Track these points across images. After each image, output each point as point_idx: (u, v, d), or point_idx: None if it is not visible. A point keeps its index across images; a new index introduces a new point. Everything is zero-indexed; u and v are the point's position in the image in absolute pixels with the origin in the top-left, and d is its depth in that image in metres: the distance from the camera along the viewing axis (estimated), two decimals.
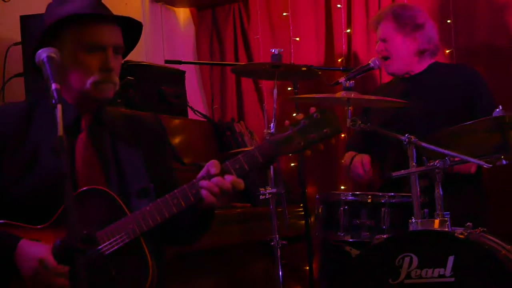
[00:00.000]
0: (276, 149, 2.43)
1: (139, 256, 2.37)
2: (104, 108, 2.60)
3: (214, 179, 2.39)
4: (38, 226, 2.39)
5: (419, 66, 4.23)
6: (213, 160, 2.44)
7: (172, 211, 2.40)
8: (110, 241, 2.37)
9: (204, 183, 2.40)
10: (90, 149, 2.52)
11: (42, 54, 2.31)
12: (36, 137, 2.51)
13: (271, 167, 3.85)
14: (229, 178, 2.40)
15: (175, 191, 2.41)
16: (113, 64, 2.51)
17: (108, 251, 2.37)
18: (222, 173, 2.41)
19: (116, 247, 2.37)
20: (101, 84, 2.48)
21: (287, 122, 2.49)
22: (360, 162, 4.13)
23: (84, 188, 2.41)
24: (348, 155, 4.38)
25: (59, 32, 2.51)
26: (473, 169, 3.93)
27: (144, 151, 2.61)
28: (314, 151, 2.50)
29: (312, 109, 2.46)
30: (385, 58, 4.20)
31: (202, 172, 2.44)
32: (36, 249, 2.33)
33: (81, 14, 2.48)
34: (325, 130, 2.43)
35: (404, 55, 4.19)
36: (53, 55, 2.30)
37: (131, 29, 2.63)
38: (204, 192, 2.40)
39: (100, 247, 2.36)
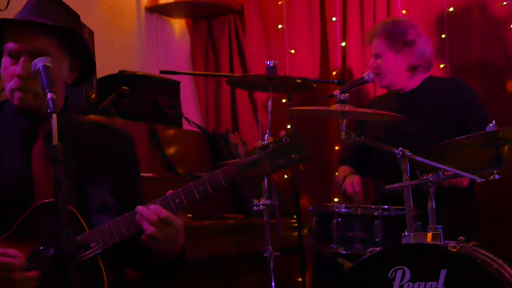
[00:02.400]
0: (241, 173, 2.39)
1: (95, 274, 2.31)
2: (63, 116, 2.43)
3: (152, 206, 2.33)
4: None
5: (413, 81, 4.24)
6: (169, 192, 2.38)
7: (123, 235, 2.34)
8: None
9: (141, 209, 2.33)
10: (47, 159, 2.43)
11: (38, 63, 2.30)
12: None
13: (265, 178, 3.85)
14: (154, 208, 2.32)
15: (126, 214, 2.35)
16: (24, 71, 2.39)
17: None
18: (187, 196, 2.36)
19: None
20: (15, 92, 2.40)
21: (255, 144, 2.47)
22: (351, 183, 4.14)
23: (44, 201, 2.35)
24: (342, 169, 4.38)
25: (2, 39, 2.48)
26: (465, 183, 3.94)
27: (108, 165, 2.54)
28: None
29: (282, 133, 2.45)
30: (378, 74, 4.22)
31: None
32: None
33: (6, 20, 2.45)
34: (293, 156, 2.40)
35: (396, 71, 4.21)
36: (48, 64, 2.30)
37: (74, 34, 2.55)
38: (138, 219, 2.33)
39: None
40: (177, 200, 2.36)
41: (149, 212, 2.32)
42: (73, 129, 2.52)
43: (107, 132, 2.68)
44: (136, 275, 2.76)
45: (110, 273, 2.35)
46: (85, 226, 2.35)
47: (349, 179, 4.18)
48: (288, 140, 2.41)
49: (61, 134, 2.33)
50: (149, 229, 2.31)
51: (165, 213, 2.32)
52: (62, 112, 2.39)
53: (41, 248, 2.33)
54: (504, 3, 4.73)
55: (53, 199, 2.29)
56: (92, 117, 3.87)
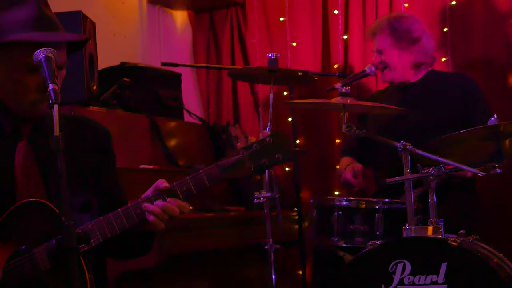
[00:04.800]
0: (224, 174, 2.38)
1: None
2: (45, 116, 2.42)
3: (158, 202, 2.35)
4: None
5: (416, 75, 4.24)
6: (161, 180, 2.40)
7: (115, 231, 2.33)
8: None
9: (149, 207, 2.35)
10: (31, 158, 2.43)
11: (40, 54, 2.26)
12: None
13: (266, 171, 3.86)
14: (175, 202, 2.36)
15: (119, 210, 2.35)
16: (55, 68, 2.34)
17: (46, 268, 2.29)
18: (170, 194, 2.37)
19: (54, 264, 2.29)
20: (39, 104, 2.36)
21: (239, 145, 2.48)
22: (352, 170, 4.15)
23: (25, 200, 2.34)
24: (344, 161, 4.39)
25: None
26: (469, 174, 3.95)
27: (87, 162, 2.52)
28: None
29: (265, 133, 2.46)
30: (382, 69, 4.22)
31: (148, 191, 2.40)
32: None
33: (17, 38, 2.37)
34: (277, 156, 2.38)
35: (400, 67, 4.20)
36: (50, 55, 2.27)
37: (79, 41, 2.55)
38: (150, 217, 2.34)
39: (38, 262, 2.29)
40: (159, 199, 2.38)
41: (158, 210, 2.35)
42: (47, 123, 2.43)
43: (83, 126, 2.64)
44: (131, 268, 2.77)
45: (90, 269, 2.33)
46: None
47: (349, 168, 4.19)
48: (271, 140, 2.39)
49: (46, 131, 2.36)
50: (158, 223, 2.36)
51: (175, 210, 2.36)
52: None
53: (22, 248, 2.32)
54: None
55: (34, 199, 2.34)
56: (93, 108, 3.88)
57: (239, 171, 2.39)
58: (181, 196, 2.38)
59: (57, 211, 2.31)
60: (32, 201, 2.34)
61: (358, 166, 4.17)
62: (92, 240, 2.31)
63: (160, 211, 2.34)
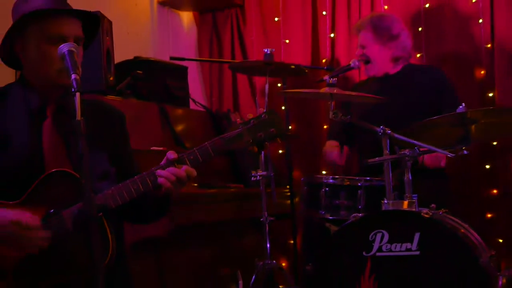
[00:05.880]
0: (227, 145, 2.42)
1: (101, 234, 2.32)
2: (67, 97, 2.43)
3: (169, 168, 2.38)
4: (11, 202, 2.35)
5: (394, 68, 4.25)
6: (171, 151, 2.44)
7: (132, 195, 2.37)
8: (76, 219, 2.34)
9: (161, 172, 2.38)
10: (56, 135, 2.46)
11: (64, 48, 2.30)
12: (8, 120, 2.47)
13: (262, 152, 3.87)
14: (184, 167, 2.39)
15: (135, 177, 2.38)
16: (77, 60, 2.38)
17: (71, 229, 2.33)
18: (179, 162, 2.40)
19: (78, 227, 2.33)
20: (63, 72, 2.35)
21: (238, 120, 2.50)
22: (331, 150, 4.16)
23: (53, 170, 2.37)
24: (329, 144, 4.40)
25: (25, 27, 2.45)
26: (443, 163, 3.97)
27: (105, 138, 2.55)
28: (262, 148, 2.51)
29: (261, 110, 2.48)
30: (365, 62, 4.22)
31: (163, 161, 2.43)
32: (8, 213, 2.30)
33: (43, 10, 2.42)
34: (271, 130, 2.43)
35: (380, 61, 4.22)
36: (73, 49, 2.30)
37: (91, 23, 2.57)
38: (161, 180, 2.37)
39: (66, 223, 2.33)
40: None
41: (168, 174, 2.38)
42: (71, 105, 2.47)
43: (102, 108, 2.68)
44: (142, 236, 2.78)
45: (113, 231, 2.37)
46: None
47: (335, 149, 4.21)
48: (266, 117, 2.44)
49: (68, 111, 2.36)
50: (167, 185, 2.39)
51: (182, 173, 2.39)
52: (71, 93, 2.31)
53: (52, 211, 2.35)
54: (473, 0, 4.73)
55: (62, 169, 2.37)
56: (110, 97, 3.88)
57: (239, 143, 2.44)
58: (188, 164, 2.41)
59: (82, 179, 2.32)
60: (59, 171, 2.37)
61: (343, 148, 4.18)
62: (112, 202, 2.35)
63: (169, 174, 2.38)
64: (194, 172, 2.42)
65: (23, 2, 2.50)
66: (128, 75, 4.16)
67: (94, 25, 2.59)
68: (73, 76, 2.19)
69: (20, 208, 2.33)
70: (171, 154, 2.43)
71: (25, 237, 2.28)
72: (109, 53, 3.94)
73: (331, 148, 4.24)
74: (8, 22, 2.48)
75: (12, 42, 2.50)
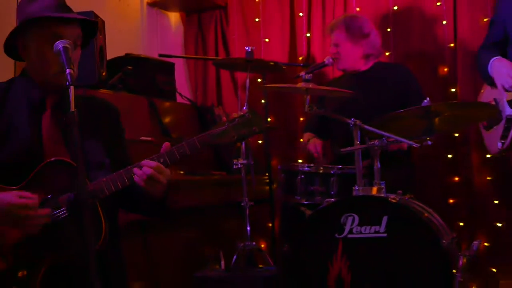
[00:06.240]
0: (213, 140, 2.42)
1: (95, 218, 2.32)
2: (65, 91, 2.35)
3: (144, 168, 2.35)
4: (13, 187, 2.34)
5: (365, 65, 4.26)
6: (166, 143, 2.43)
7: (118, 187, 2.36)
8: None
9: (136, 171, 2.36)
10: (54, 127, 2.45)
11: (59, 45, 2.29)
12: (10, 111, 2.46)
13: (243, 143, 3.86)
14: (155, 168, 2.35)
15: (121, 171, 2.37)
16: (72, 57, 2.35)
17: (66, 214, 2.33)
18: (169, 157, 2.39)
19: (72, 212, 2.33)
20: (60, 75, 2.33)
21: (224, 118, 2.50)
22: (314, 145, 4.17)
23: (52, 159, 2.36)
24: (306, 135, 4.40)
25: (27, 29, 2.44)
26: (405, 146, 3.98)
27: (101, 131, 2.55)
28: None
29: (244, 110, 2.49)
30: (337, 59, 4.22)
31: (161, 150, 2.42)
32: (6, 195, 2.28)
33: (46, 17, 2.42)
34: (253, 128, 2.44)
35: (352, 57, 4.22)
36: (67, 46, 2.30)
37: (89, 26, 2.56)
38: (136, 178, 2.35)
39: (62, 208, 2.33)
40: (161, 160, 2.39)
41: (142, 173, 2.35)
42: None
43: (99, 104, 2.67)
44: (131, 219, 2.77)
45: (106, 216, 2.36)
46: (86, 179, 2.34)
47: (312, 141, 4.21)
48: (250, 116, 2.45)
49: (66, 104, 2.34)
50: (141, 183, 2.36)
51: (154, 163, 2.35)
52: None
53: (49, 196, 2.35)
54: (438, 3, 4.74)
55: (59, 158, 2.36)
56: (102, 91, 3.85)
57: (225, 138, 2.44)
58: (178, 157, 2.39)
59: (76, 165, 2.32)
60: (57, 159, 2.37)
61: (318, 141, 4.19)
62: (106, 191, 2.34)
63: (141, 173, 2.35)
64: (166, 173, 2.39)
65: (27, 2, 2.49)
66: (120, 71, 4.14)
67: (93, 28, 2.58)
68: (67, 70, 2.19)
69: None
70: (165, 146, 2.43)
71: (25, 216, 2.27)
72: (102, 50, 3.91)
73: (314, 141, 4.23)
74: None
75: (15, 41, 2.50)
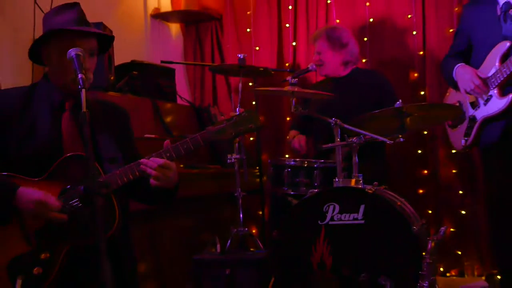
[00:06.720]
0: (213, 136, 2.43)
1: (109, 206, 2.33)
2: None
3: (152, 158, 2.37)
4: (35, 179, 2.35)
5: (344, 71, 4.26)
6: (166, 141, 2.43)
7: (129, 178, 2.36)
8: None
9: (144, 160, 2.37)
10: (72, 125, 2.45)
11: (72, 52, 2.29)
12: (34, 112, 2.46)
13: (237, 139, 3.86)
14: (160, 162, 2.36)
15: (132, 164, 2.37)
16: (88, 65, 2.41)
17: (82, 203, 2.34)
18: (175, 151, 2.39)
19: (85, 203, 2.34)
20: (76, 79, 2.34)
21: (222, 117, 2.51)
22: (298, 141, 4.17)
23: (70, 154, 2.37)
24: (292, 133, 4.40)
25: (50, 39, 2.45)
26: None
27: (113, 130, 2.55)
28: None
29: (241, 110, 2.50)
30: (320, 66, 4.22)
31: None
32: (35, 192, 2.30)
33: (67, 30, 2.43)
34: (250, 125, 2.45)
35: (333, 64, 4.23)
36: (79, 53, 2.29)
37: (105, 37, 2.57)
38: (142, 167, 2.36)
39: (77, 199, 2.34)
40: (168, 154, 2.40)
41: (150, 162, 2.37)
42: (88, 104, 2.47)
43: (109, 106, 2.67)
44: (140, 207, 2.76)
45: (120, 205, 2.36)
46: (101, 171, 2.37)
47: (296, 138, 4.21)
48: (246, 114, 2.45)
49: (80, 106, 2.35)
50: (152, 172, 2.36)
51: (161, 160, 2.37)
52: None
53: (68, 186, 2.35)
54: (409, 16, 4.75)
55: (77, 153, 2.37)
56: (111, 93, 3.84)
57: (224, 135, 2.44)
58: (183, 152, 2.40)
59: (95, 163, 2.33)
60: (75, 154, 2.37)
61: (303, 137, 4.18)
62: (119, 182, 2.35)
63: (150, 162, 2.36)
64: (170, 165, 2.39)
65: (52, 15, 2.50)
66: (126, 75, 4.13)
67: (107, 40, 2.59)
68: (79, 75, 2.19)
69: (43, 185, 2.33)
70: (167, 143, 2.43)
71: (46, 214, 2.29)
72: (110, 57, 3.91)
73: (298, 138, 4.22)
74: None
75: (39, 48, 2.50)
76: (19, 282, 2.24)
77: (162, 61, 4.63)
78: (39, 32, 2.50)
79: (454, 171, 4.59)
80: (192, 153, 2.50)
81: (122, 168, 2.37)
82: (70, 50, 2.28)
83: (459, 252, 4.54)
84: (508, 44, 3.39)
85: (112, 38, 2.60)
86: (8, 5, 3.79)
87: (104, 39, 2.56)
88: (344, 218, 3.21)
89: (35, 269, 2.28)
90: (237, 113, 2.47)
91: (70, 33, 2.42)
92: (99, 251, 1.93)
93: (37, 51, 2.51)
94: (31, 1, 3.84)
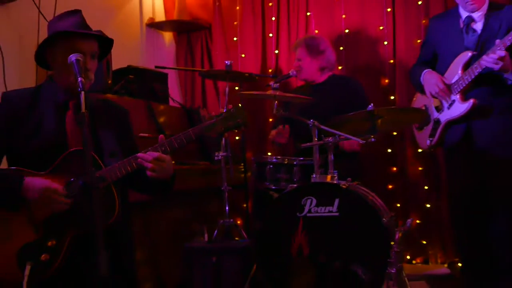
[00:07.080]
0: (204, 131, 2.43)
1: (109, 196, 2.33)
2: (85, 95, 2.42)
3: (148, 152, 2.37)
4: (41, 172, 2.35)
5: (322, 76, 4.27)
6: (162, 135, 2.43)
7: (127, 170, 2.36)
8: None
9: (141, 154, 2.37)
10: (76, 124, 2.45)
11: (72, 57, 2.28)
12: (40, 111, 2.46)
13: (223, 138, 3.86)
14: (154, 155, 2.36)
15: (130, 157, 2.38)
16: (89, 66, 2.42)
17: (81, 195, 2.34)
18: (169, 145, 2.39)
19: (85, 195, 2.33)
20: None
21: (212, 113, 2.51)
22: (277, 130, 4.16)
23: (73, 149, 2.37)
24: (273, 132, 4.40)
25: (55, 41, 2.45)
26: (358, 147, 4.00)
27: (114, 126, 2.54)
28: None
29: (230, 106, 2.49)
30: (299, 71, 4.23)
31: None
32: (40, 180, 2.30)
33: (70, 32, 2.43)
34: (238, 120, 2.45)
35: (311, 70, 4.24)
36: (79, 58, 2.29)
37: (105, 41, 2.57)
38: (139, 160, 2.36)
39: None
40: (163, 148, 2.40)
41: (146, 155, 2.37)
42: (91, 103, 2.48)
43: (111, 105, 2.67)
44: (137, 199, 2.76)
45: (119, 196, 2.36)
46: (102, 164, 2.37)
47: (276, 129, 4.20)
48: (234, 110, 2.45)
49: (85, 106, 2.34)
50: (148, 165, 2.36)
51: (156, 154, 2.37)
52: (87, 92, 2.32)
53: (72, 179, 2.35)
54: (381, 27, 4.77)
55: (80, 148, 2.36)
56: (109, 96, 3.82)
57: (214, 130, 2.45)
58: (176, 146, 2.39)
59: (96, 157, 2.35)
60: (78, 149, 2.37)
61: (286, 126, 4.16)
62: (119, 173, 2.35)
63: (146, 156, 2.36)
64: (165, 159, 2.39)
65: (57, 20, 2.49)
66: (123, 79, 4.11)
67: (107, 44, 2.59)
68: (79, 79, 2.18)
69: (49, 178, 2.33)
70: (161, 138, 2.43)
71: (53, 199, 2.29)
72: (108, 62, 3.89)
73: (279, 133, 4.23)
74: None
75: (44, 51, 2.49)
76: (28, 268, 2.24)
77: (156, 67, 4.61)
78: (42, 38, 2.49)
79: (420, 168, 4.62)
80: (184, 150, 2.51)
81: (121, 161, 2.37)
82: (70, 55, 2.28)
83: (424, 242, 4.58)
84: (469, 54, 3.43)
85: (111, 41, 2.59)
86: (13, 12, 3.77)
87: (104, 45, 2.55)
88: (321, 210, 3.22)
89: (43, 255, 2.28)
90: (226, 109, 2.47)
91: (74, 36, 2.42)
92: (98, 239, 1.93)
93: (42, 54, 2.50)
94: (35, 9, 3.83)
